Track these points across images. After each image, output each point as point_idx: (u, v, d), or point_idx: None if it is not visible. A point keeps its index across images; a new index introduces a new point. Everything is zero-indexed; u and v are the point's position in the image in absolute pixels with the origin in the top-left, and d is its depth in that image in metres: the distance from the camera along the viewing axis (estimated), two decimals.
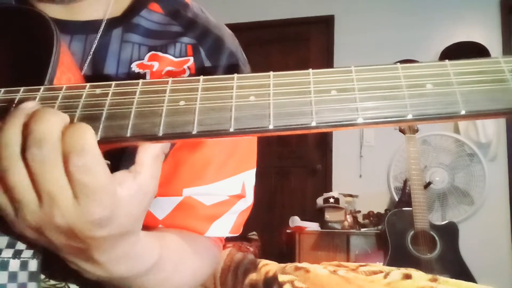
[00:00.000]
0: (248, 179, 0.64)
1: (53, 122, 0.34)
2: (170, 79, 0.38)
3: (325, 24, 3.98)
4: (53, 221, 0.35)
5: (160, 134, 0.36)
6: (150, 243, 0.46)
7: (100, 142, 0.36)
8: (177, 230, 0.57)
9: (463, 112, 0.34)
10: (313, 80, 0.37)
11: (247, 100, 0.36)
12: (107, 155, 0.40)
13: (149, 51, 0.62)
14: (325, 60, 3.93)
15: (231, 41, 0.67)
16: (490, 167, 3.32)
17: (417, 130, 2.74)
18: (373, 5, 3.83)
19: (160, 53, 0.62)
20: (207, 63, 0.63)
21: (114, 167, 0.43)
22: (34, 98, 0.39)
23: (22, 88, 0.40)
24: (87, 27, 0.61)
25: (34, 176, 0.34)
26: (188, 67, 0.62)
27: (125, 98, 0.38)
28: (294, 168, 3.84)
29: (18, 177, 0.34)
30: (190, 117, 0.36)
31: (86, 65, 0.59)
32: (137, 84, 0.39)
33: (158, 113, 0.37)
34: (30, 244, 0.40)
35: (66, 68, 0.46)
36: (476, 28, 3.61)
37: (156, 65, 0.61)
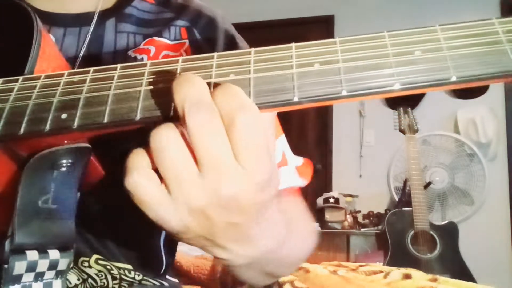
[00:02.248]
0: (286, 147, 0.63)
1: (202, 83, 0.32)
2: (149, 62, 0.37)
3: (325, 24, 3.98)
4: (219, 192, 0.32)
5: (137, 118, 0.34)
6: (279, 220, 0.43)
7: (78, 130, 0.35)
8: (284, 200, 0.55)
9: (453, 78, 0.32)
10: (296, 54, 0.35)
11: (226, 78, 0.35)
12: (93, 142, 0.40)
13: (145, 39, 0.62)
14: None
15: (224, 21, 0.68)
16: (490, 167, 3.32)
17: (417, 130, 2.74)
18: (373, 5, 3.83)
19: (156, 38, 0.62)
20: (203, 45, 0.64)
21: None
22: (13, 89, 0.38)
23: (0, 80, 0.39)
24: (80, 20, 0.61)
25: (195, 144, 0.31)
26: (185, 51, 0.63)
27: (102, 84, 0.37)
28: None
29: (176, 149, 0.32)
30: (169, 99, 0.34)
31: (80, 57, 0.59)
32: (115, 68, 0.37)
33: (136, 97, 0.35)
34: (177, 237, 0.36)
35: (48, 59, 0.45)
36: None
37: (152, 50, 0.61)
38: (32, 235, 0.37)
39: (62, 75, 0.38)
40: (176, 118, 0.32)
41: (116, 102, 0.35)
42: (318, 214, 3.31)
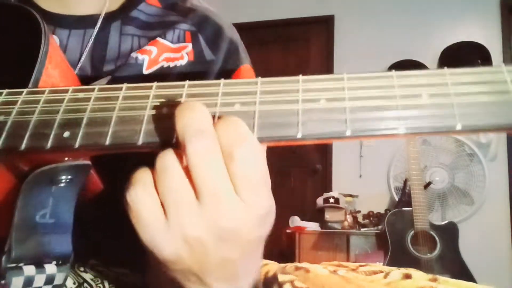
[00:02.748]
0: None
1: (204, 112, 0.32)
2: (154, 84, 0.37)
3: (325, 24, 3.98)
4: (218, 224, 0.31)
5: (140, 142, 0.34)
6: None
7: (79, 150, 0.34)
8: None
9: (459, 127, 0.31)
10: (302, 88, 0.35)
11: (231, 108, 0.34)
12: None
13: (149, 41, 0.62)
14: (325, 60, 3.93)
15: (231, 30, 0.67)
16: (490, 167, 3.32)
17: None
18: (373, 5, 3.83)
19: (159, 39, 0.62)
20: (207, 51, 0.63)
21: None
22: (16, 102, 0.37)
23: (5, 91, 0.39)
24: (85, 22, 0.61)
25: (193, 173, 0.31)
26: (187, 54, 0.62)
27: (107, 104, 0.36)
28: (294, 168, 3.83)
29: (178, 174, 0.31)
30: (172, 125, 0.33)
31: (83, 58, 0.59)
32: (121, 89, 0.37)
33: (139, 120, 0.35)
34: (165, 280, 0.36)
35: (54, 67, 0.45)
36: (476, 28, 3.61)
37: (154, 51, 0.61)
38: (29, 250, 0.37)
39: (66, 91, 0.38)
40: (177, 146, 0.32)
41: (119, 123, 0.35)
42: (318, 214, 3.31)
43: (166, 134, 0.33)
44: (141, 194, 0.32)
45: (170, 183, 0.31)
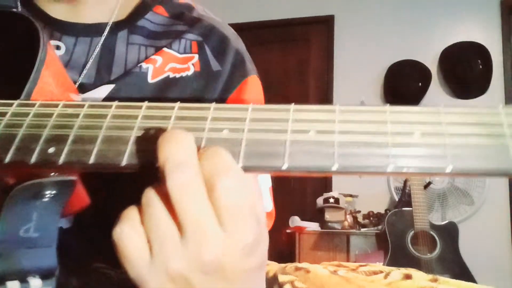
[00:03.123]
0: (263, 182, 0.62)
1: (188, 143, 0.32)
2: (145, 104, 0.37)
3: (325, 24, 3.98)
4: (201, 258, 0.31)
5: (123, 163, 0.33)
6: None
7: (63, 167, 0.34)
8: None
9: (449, 169, 0.30)
10: (293, 118, 0.34)
11: (219, 134, 0.34)
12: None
13: (156, 51, 0.62)
14: (325, 60, 3.93)
15: (237, 40, 0.67)
16: None
17: None
18: (373, 5, 3.83)
19: (165, 49, 0.62)
20: (213, 61, 0.63)
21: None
22: (5, 114, 0.37)
23: None
24: (92, 30, 0.61)
25: (175, 206, 0.31)
26: (193, 65, 0.62)
27: (95, 121, 0.36)
28: None
29: (158, 212, 0.31)
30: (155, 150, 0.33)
31: (88, 66, 0.59)
32: (110, 106, 0.37)
33: (125, 140, 0.34)
34: None
35: (51, 75, 0.45)
36: (476, 28, 3.61)
37: (159, 60, 0.61)
38: (13, 265, 0.36)
39: (57, 105, 0.37)
40: (160, 178, 0.32)
41: (105, 142, 0.34)
42: (318, 214, 3.31)
43: (151, 157, 0.33)
44: (126, 232, 0.32)
45: (153, 219, 0.31)
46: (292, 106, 0.35)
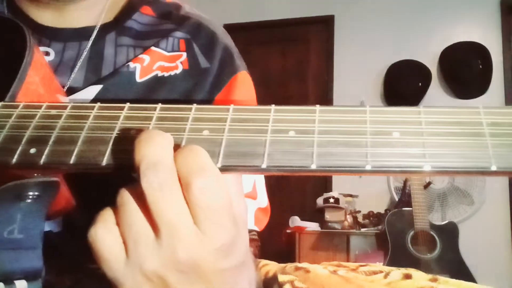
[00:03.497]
0: (258, 178, 0.62)
1: (165, 143, 0.32)
2: (127, 105, 0.37)
3: (325, 24, 3.98)
4: (175, 257, 0.31)
5: (104, 163, 0.33)
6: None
7: (44, 167, 0.34)
8: None
9: (427, 167, 0.30)
10: (273, 117, 0.34)
11: (200, 134, 0.34)
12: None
13: (144, 50, 0.62)
14: (325, 60, 3.93)
15: (225, 36, 0.67)
16: None
17: None
18: (373, 5, 3.83)
19: (153, 48, 0.62)
20: (202, 59, 0.63)
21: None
22: None
23: None
24: (80, 34, 0.61)
25: (151, 206, 0.31)
26: (181, 63, 0.62)
27: (77, 122, 0.36)
28: None
29: (136, 210, 0.31)
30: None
31: (76, 70, 0.59)
32: (93, 107, 0.37)
33: (106, 140, 0.34)
34: None
35: (37, 78, 0.45)
36: (476, 28, 3.61)
37: (147, 59, 0.61)
38: None
39: (40, 106, 0.38)
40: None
41: (86, 143, 0.35)
42: (318, 214, 3.31)
43: (130, 158, 0.33)
44: (101, 233, 0.32)
45: (127, 219, 0.32)
46: (273, 107, 0.35)
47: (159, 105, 0.36)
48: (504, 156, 0.30)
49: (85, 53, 0.60)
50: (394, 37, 3.71)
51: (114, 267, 0.32)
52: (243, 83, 0.64)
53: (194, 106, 0.36)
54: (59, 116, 0.37)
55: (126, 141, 0.34)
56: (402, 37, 3.69)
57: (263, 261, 0.78)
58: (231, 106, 0.35)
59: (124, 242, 0.32)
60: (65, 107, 0.37)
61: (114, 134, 0.35)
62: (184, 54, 0.63)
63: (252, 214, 0.61)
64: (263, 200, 0.62)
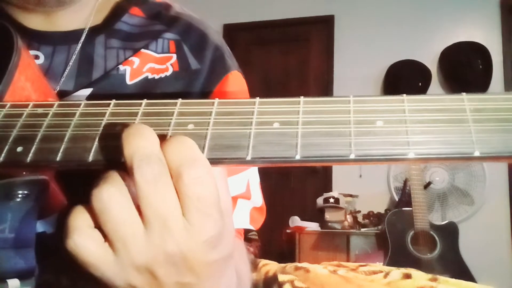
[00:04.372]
0: (252, 177, 0.62)
1: (152, 136, 0.32)
2: (112, 101, 0.37)
3: (325, 24, 3.98)
4: (165, 250, 0.32)
5: (90, 159, 0.34)
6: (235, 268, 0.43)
7: (30, 166, 0.34)
8: None
9: (411, 155, 0.31)
10: (258, 110, 0.34)
11: (184, 128, 0.34)
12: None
13: (134, 52, 0.62)
14: (325, 60, 3.93)
15: (215, 36, 0.66)
16: (490, 167, 3.32)
17: None
18: (373, 5, 3.83)
19: (143, 50, 0.62)
20: (191, 59, 0.63)
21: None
22: None
23: None
24: (69, 38, 0.61)
25: (141, 199, 0.31)
26: (171, 65, 0.62)
27: (63, 120, 0.36)
28: (294, 168, 3.83)
29: (119, 209, 0.31)
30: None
31: (66, 73, 0.59)
32: (79, 105, 0.37)
33: (92, 137, 0.35)
34: None
35: (25, 80, 0.45)
36: (476, 28, 3.61)
37: (137, 61, 0.61)
38: None
39: (27, 105, 0.38)
40: (127, 171, 0.32)
41: (72, 140, 0.35)
42: (318, 214, 3.31)
43: (116, 153, 0.33)
44: (79, 240, 0.32)
45: (111, 221, 0.31)
46: (257, 100, 0.35)
47: (145, 101, 0.37)
48: (487, 142, 0.30)
49: (74, 56, 0.60)
50: (394, 37, 3.71)
51: (103, 269, 0.32)
52: (235, 82, 0.64)
53: (179, 101, 0.36)
54: (45, 115, 0.37)
55: (112, 137, 0.34)
56: (402, 37, 3.69)
57: (263, 261, 0.78)
58: (216, 100, 0.36)
59: (109, 242, 0.32)
60: (51, 105, 0.38)
61: (100, 130, 0.35)
62: (174, 56, 0.62)
63: (247, 213, 0.61)
64: (258, 199, 0.62)
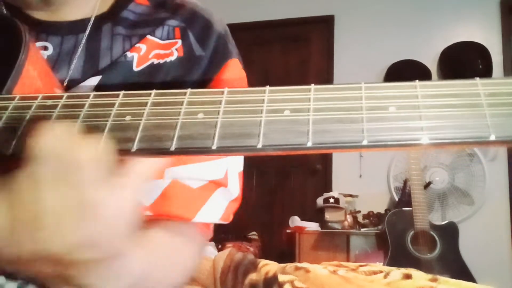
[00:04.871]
0: (232, 166, 0.62)
1: (58, 134, 0.32)
2: (121, 92, 0.37)
3: (325, 24, 3.98)
4: (33, 247, 0.32)
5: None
6: (137, 256, 0.44)
7: None
8: (163, 223, 0.55)
9: (425, 140, 0.30)
10: (268, 98, 0.34)
11: (194, 118, 0.34)
12: None
13: (140, 39, 0.62)
14: (325, 60, 3.93)
15: (220, 24, 0.67)
16: (490, 167, 3.32)
17: None
18: (373, 5, 3.83)
19: (149, 36, 0.63)
20: (196, 46, 0.64)
21: None
22: None
23: None
24: (76, 27, 0.62)
25: (16, 194, 0.32)
26: (176, 49, 0.63)
27: (72, 111, 0.36)
28: (294, 168, 3.84)
29: (18, 194, 0.32)
30: (132, 134, 0.34)
31: (74, 61, 0.60)
32: (88, 96, 0.37)
33: (101, 128, 0.35)
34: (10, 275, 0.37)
35: (34, 73, 0.45)
36: (476, 28, 3.61)
37: (143, 48, 0.62)
38: None
39: (36, 97, 0.38)
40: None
41: (81, 131, 0.35)
42: (318, 214, 3.31)
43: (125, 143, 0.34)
44: None
45: (15, 201, 0.32)
46: (268, 88, 0.35)
47: (154, 91, 0.37)
48: (502, 126, 0.30)
49: (82, 45, 0.61)
50: (394, 37, 3.71)
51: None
52: (233, 69, 0.65)
53: (189, 90, 0.36)
54: (54, 106, 0.37)
55: (120, 128, 0.34)
56: (402, 37, 3.69)
57: (263, 261, 0.78)
58: (226, 89, 0.36)
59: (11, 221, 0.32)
60: (60, 97, 0.38)
61: (110, 121, 0.35)
62: (179, 41, 0.63)
63: (223, 207, 0.61)
64: (235, 189, 0.63)
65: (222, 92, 0.35)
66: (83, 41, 0.61)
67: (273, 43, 4.07)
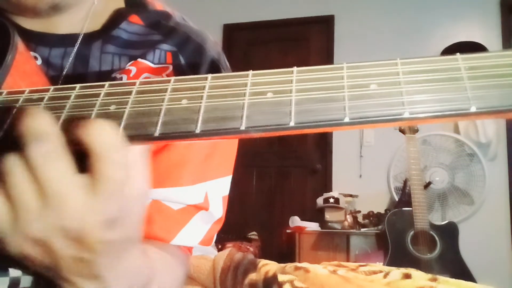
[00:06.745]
0: (213, 190, 0.62)
1: (45, 117, 0.33)
2: (107, 83, 0.37)
3: (325, 24, 3.98)
4: (61, 223, 0.33)
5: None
6: (146, 260, 0.44)
7: None
8: (146, 241, 0.54)
9: (406, 114, 0.31)
10: (251, 81, 0.35)
11: (178, 103, 0.35)
12: None
13: (130, 60, 0.62)
14: (325, 60, 3.93)
15: (213, 49, 0.66)
16: (490, 167, 3.32)
17: (417, 130, 2.74)
18: (373, 5, 3.83)
19: (140, 59, 0.62)
20: (187, 70, 0.63)
21: None
22: None
23: None
24: (65, 41, 0.61)
25: (37, 174, 0.32)
26: (167, 75, 0.62)
27: (58, 103, 0.37)
28: (294, 168, 3.84)
29: (17, 179, 0.32)
30: (117, 122, 0.34)
31: (62, 77, 0.59)
32: (74, 88, 0.38)
33: (87, 118, 0.35)
34: (25, 267, 0.37)
35: (22, 75, 0.45)
36: (476, 28, 3.61)
37: (133, 70, 0.61)
38: None
39: (23, 91, 0.38)
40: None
41: (67, 121, 0.35)
42: (318, 214, 3.31)
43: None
44: None
45: (13, 185, 0.32)
46: (251, 72, 0.36)
47: (138, 81, 0.37)
48: (483, 97, 0.30)
49: (70, 59, 0.60)
50: (394, 37, 3.71)
51: (1, 232, 0.33)
52: None
53: (173, 78, 0.37)
54: (41, 99, 0.38)
55: (105, 117, 0.35)
56: (402, 37, 3.69)
57: (263, 261, 0.78)
58: (209, 75, 0.36)
59: (12, 207, 0.33)
60: (47, 90, 0.38)
61: (95, 111, 0.36)
62: (170, 67, 0.62)
63: (205, 230, 0.61)
64: (217, 212, 0.62)
65: (206, 78, 0.36)
66: (72, 55, 0.60)
67: (272, 43, 4.07)
